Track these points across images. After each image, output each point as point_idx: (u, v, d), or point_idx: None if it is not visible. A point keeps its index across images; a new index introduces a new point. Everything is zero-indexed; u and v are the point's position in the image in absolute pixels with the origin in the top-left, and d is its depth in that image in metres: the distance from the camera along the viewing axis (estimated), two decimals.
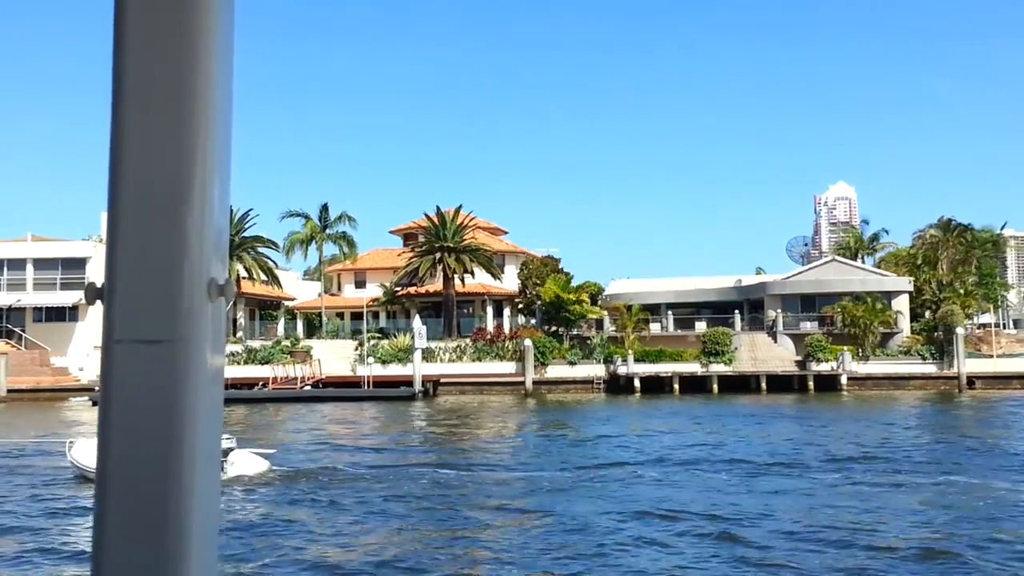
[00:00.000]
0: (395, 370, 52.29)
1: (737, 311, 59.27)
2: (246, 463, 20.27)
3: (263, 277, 57.96)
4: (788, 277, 62.60)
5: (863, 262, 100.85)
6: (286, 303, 71.53)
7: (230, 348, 55.77)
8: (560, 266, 60.89)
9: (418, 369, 48.49)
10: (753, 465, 21.49)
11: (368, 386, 47.84)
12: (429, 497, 17.92)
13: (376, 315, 70.43)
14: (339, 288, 77.22)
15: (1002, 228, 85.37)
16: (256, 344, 57.38)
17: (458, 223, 57.91)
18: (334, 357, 55.70)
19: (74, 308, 58.26)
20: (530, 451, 25.42)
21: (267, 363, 53.66)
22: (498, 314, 63.53)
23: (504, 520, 15.55)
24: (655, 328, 59.31)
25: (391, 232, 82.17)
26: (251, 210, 58.66)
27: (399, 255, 64.33)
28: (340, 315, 73.97)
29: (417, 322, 49.95)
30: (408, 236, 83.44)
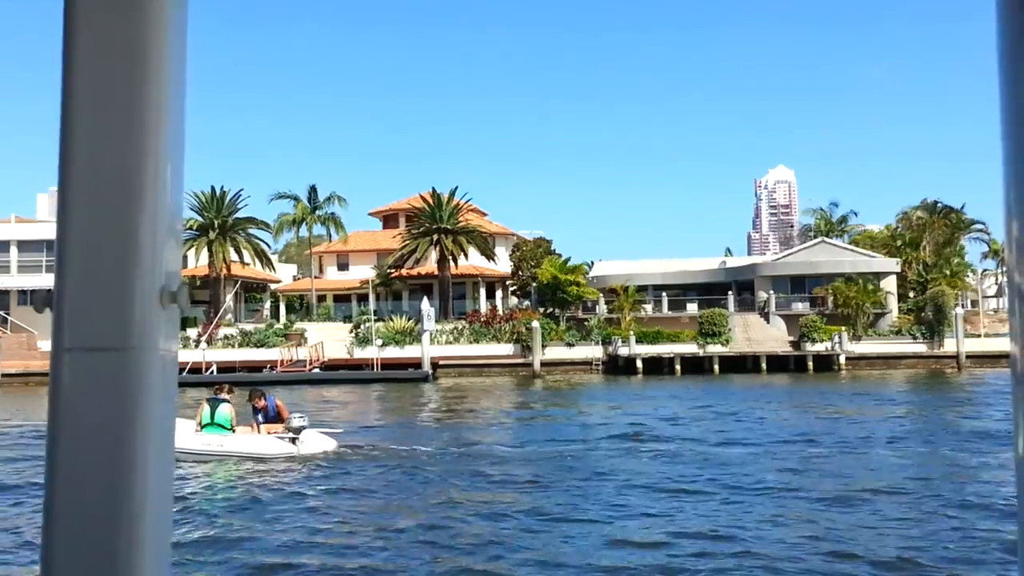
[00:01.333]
0: (392, 352, 52.04)
1: (731, 293, 59.76)
2: (317, 442, 20.17)
3: (250, 259, 57.24)
4: (779, 258, 63.33)
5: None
6: (271, 286, 70.77)
7: (225, 331, 55.17)
8: (552, 248, 60.96)
9: (427, 351, 48.33)
10: (838, 445, 21.46)
11: (376, 368, 47.57)
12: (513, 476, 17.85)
13: (363, 298, 70.11)
14: (321, 270, 76.61)
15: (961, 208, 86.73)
16: (249, 327, 56.75)
17: (453, 205, 57.63)
18: (329, 340, 55.20)
19: None
20: (609, 429, 25.08)
21: (262, 346, 53.13)
22: (490, 296, 63.47)
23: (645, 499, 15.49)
24: (647, 309, 59.77)
25: (370, 214, 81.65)
26: (242, 190, 57.90)
27: (394, 237, 63.89)
28: (322, 298, 73.52)
29: (425, 304, 49.73)
30: (388, 218, 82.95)
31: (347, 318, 62.87)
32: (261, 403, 20.57)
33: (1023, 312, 1.20)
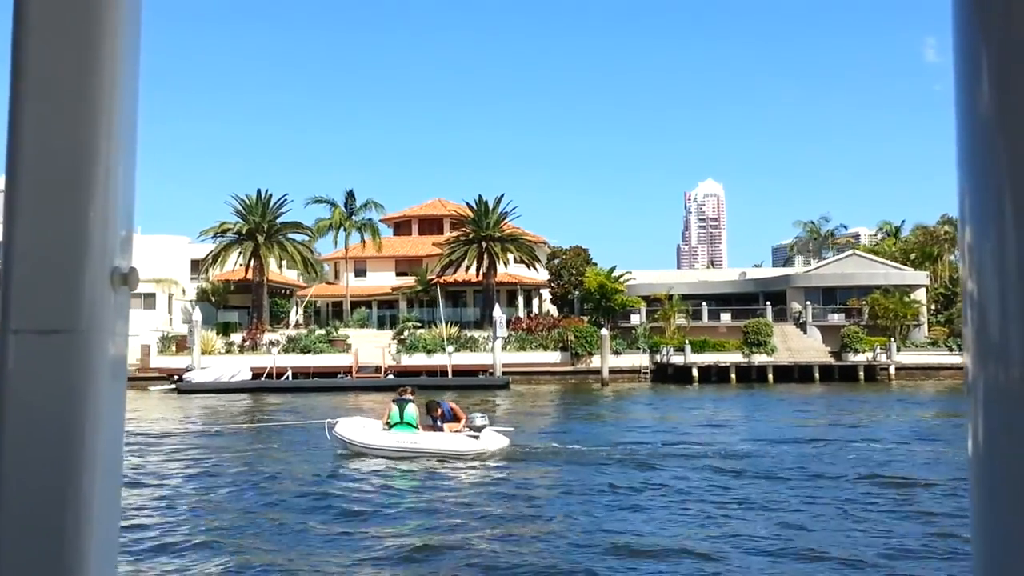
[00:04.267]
0: (440, 360, 51.86)
1: (768, 303, 60.50)
2: (494, 440, 21.05)
3: (295, 264, 56.73)
4: (811, 270, 64.32)
5: (822, 257, 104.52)
6: (298, 292, 70.13)
7: (270, 336, 54.53)
8: (591, 257, 61.27)
9: (498, 358, 48.28)
10: None
11: (449, 375, 47.44)
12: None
13: (385, 304, 69.65)
14: (336, 277, 75.97)
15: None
16: (290, 332, 56.16)
17: (498, 213, 57.73)
18: (370, 346, 54.84)
19: None
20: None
21: (308, 351, 52.58)
22: (527, 304, 63.58)
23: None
24: (681, 318, 60.28)
25: (382, 220, 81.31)
26: (286, 195, 57.35)
27: (437, 243, 63.47)
28: (338, 304, 72.98)
29: (498, 311, 49.66)
30: (400, 224, 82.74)
31: (381, 324, 62.61)
32: (438, 411, 21.73)
33: (976, 322, 1.24)
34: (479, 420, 21.05)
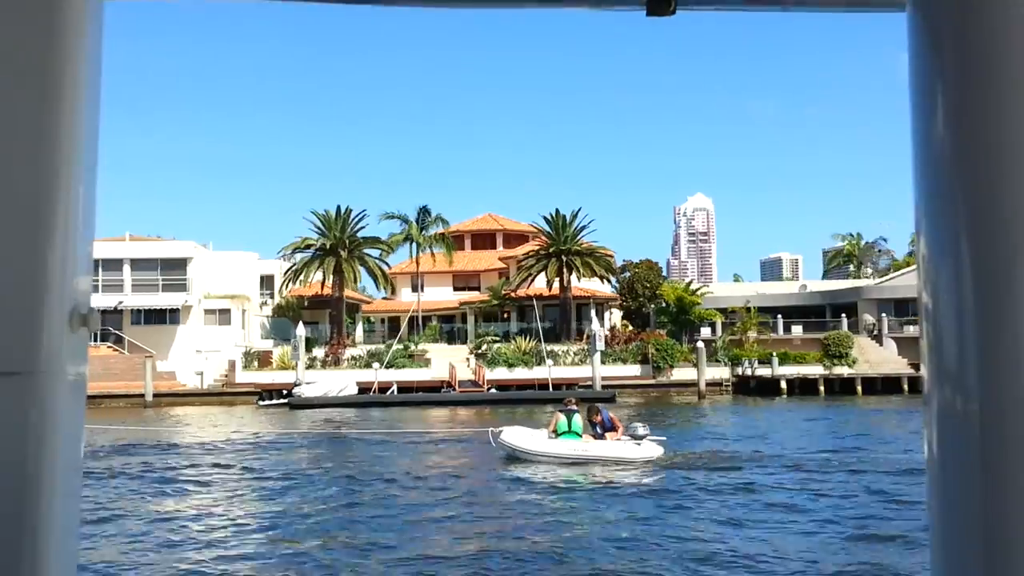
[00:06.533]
0: (522, 374, 51.94)
1: (844, 315, 60.53)
2: (650, 449, 21.84)
3: (374, 280, 56.92)
4: (882, 282, 64.36)
5: (864, 268, 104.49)
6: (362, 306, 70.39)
7: (351, 352, 54.65)
8: (661, 271, 61.42)
9: (597, 371, 48.36)
10: None
11: (550, 387, 47.61)
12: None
13: (445, 319, 69.81)
14: (393, 292, 76.17)
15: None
16: (368, 348, 56.30)
17: (574, 227, 57.94)
18: (445, 361, 54.88)
19: (175, 311, 56.27)
20: None
21: (391, 367, 52.63)
22: (599, 317, 63.63)
23: None
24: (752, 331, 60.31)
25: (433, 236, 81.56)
26: (364, 211, 57.62)
27: (504, 259, 63.54)
28: (395, 319, 73.18)
29: (596, 324, 49.74)
30: (453, 239, 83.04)
31: (452, 339, 62.84)
32: (598, 417, 22.49)
33: (931, 332, 1.29)
34: (641, 430, 22.07)
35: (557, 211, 58.11)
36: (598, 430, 22.16)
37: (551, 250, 56.95)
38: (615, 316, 65.47)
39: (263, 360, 53.24)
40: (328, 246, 55.54)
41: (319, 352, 54.33)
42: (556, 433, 22.03)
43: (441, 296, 72.17)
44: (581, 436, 22.01)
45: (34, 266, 1.32)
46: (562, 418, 22.26)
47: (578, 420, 22.24)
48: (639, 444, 21.63)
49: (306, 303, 61.74)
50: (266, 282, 65.42)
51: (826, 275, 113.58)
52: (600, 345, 48.89)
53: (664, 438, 23.23)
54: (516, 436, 22.66)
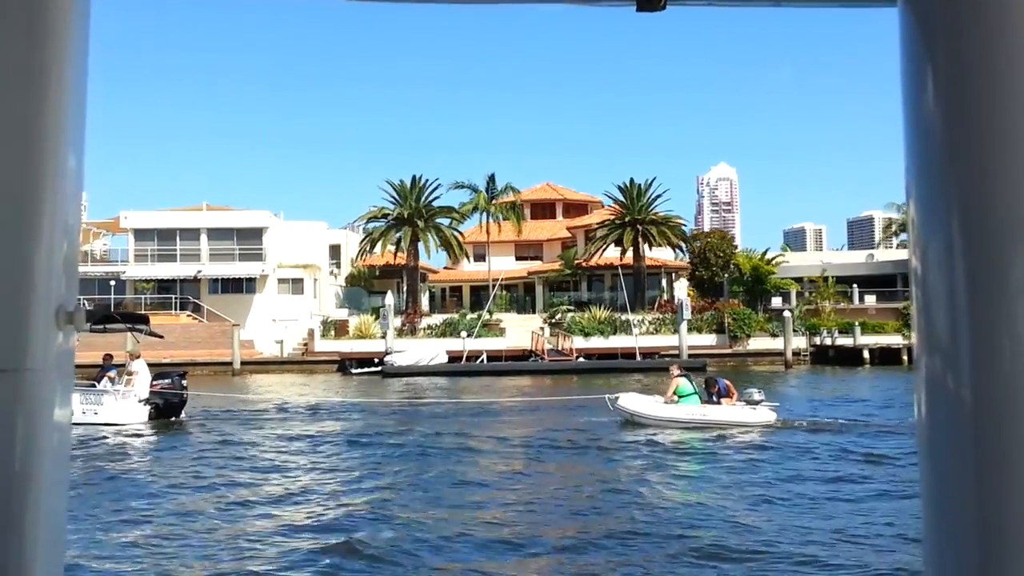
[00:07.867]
0: (598, 343, 51.92)
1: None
2: (765, 414, 22.03)
3: (445, 249, 57.09)
4: None
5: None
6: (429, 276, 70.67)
7: (427, 321, 54.92)
8: (733, 241, 61.13)
9: (684, 340, 48.34)
10: None
11: (637, 356, 47.68)
12: None
13: (508, 288, 69.88)
14: (456, 261, 76.35)
15: None
16: (443, 317, 56.55)
17: (647, 196, 57.72)
18: (520, 330, 55.00)
19: (251, 280, 56.84)
20: None
21: (468, 335, 52.88)
22: (670, 286, 63.54)
23: None
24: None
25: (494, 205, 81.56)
26: (438, 180, 57.69)
27: (570, 226, 63.35)
28: (457, 288, 73.45)
29: (681, 292, 49.73)
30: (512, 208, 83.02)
31: (530, 308, 63.00)
32: (715, 388, 23.02)
33: (923, 310, 1.27)
34: (757, 395, 22.31)
35: (632, 180, 57.89)
36: (714, 398, 22.55)
37: (626, 219, 56.72)
38: (682, 285, 65.28)
39: (340, 329, 53.68)
40: (405, 215, 55.70)
41: (395, 321, 54.69)
42: (678, 396, 22.35)
43: (504, 265, 72.29)
44: (700, 401, 22.40)
45: (20, 264, 1.31)
46: (684, 382, 22.59)
47: (694, 386, 22.67)
48: (755, 409, 21.92)
49: (377, 272, 62.11)
50: (333, 252, 65.81)
51: (878, 245, 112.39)
52: (687, 314, 48.76)
53: (777, 404, 23.39)
54: (634, 401, 23.07)
